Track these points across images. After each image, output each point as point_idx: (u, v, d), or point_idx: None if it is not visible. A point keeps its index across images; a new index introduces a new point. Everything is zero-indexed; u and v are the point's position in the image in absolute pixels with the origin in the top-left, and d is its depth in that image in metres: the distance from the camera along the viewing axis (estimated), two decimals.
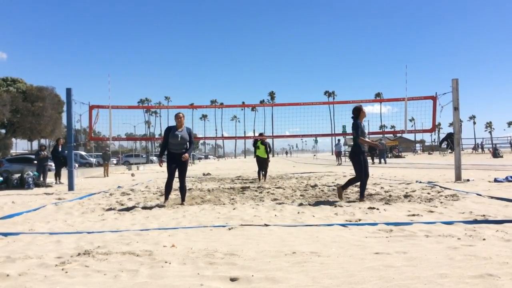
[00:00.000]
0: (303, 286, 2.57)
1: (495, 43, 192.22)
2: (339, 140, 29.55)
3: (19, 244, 3.97)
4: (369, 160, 29.21)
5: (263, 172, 12.49)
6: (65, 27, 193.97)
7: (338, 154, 27.27)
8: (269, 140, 13.43)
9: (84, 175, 20.44)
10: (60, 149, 13.90)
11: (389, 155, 44.86)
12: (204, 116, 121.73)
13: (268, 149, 12.48)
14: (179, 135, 6.61)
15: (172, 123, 7.00)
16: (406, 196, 7.01)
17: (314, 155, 62.87)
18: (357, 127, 6.56)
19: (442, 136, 11.08)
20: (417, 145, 75.41)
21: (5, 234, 4.43)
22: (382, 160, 26.62)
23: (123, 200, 7.60)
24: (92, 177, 18.79)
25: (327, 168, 20.57)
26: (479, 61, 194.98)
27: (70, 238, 4.20)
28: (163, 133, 7.13)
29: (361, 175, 6.53)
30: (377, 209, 5.66)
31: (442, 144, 11.01)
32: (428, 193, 7.38)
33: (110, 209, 6.46)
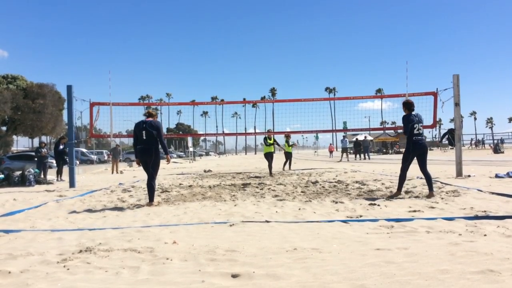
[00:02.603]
0: (304, 282, 2.57)
1: (496, 39, 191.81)
2: (344, 136, 29.66)
3: (21, 241, 3.98)
4: (353, 156, 29.72)
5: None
6: (66, 24, 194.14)
7: (344, 151, 27.30)
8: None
9: (86, 172, 20.46)
10: (62, 146, 13.92)
11: (390, 151, 44.97)
12: (205, 113, 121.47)
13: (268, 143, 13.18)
14: None
15: (173, 120, 7.05)
16: (407, 192, 7.01)
17: (315, 152, 62.80)
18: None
19: (443, 132, 11.03)
20: None
21: (7, 231, 4.44)
22: (366, 156, 27.57)
23: (124, 197, 7.61)
24: (96, 174, 18.81)
25: (328, 165, 20.55)
26: (480, 56, 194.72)
27: (72, 235, 4.21)
28: (164, 129, 7.12)
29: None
30: (378, 205, 5.66)
31: (443, 140, 10.99)
32: None
33: (111, 206, 6.46)
